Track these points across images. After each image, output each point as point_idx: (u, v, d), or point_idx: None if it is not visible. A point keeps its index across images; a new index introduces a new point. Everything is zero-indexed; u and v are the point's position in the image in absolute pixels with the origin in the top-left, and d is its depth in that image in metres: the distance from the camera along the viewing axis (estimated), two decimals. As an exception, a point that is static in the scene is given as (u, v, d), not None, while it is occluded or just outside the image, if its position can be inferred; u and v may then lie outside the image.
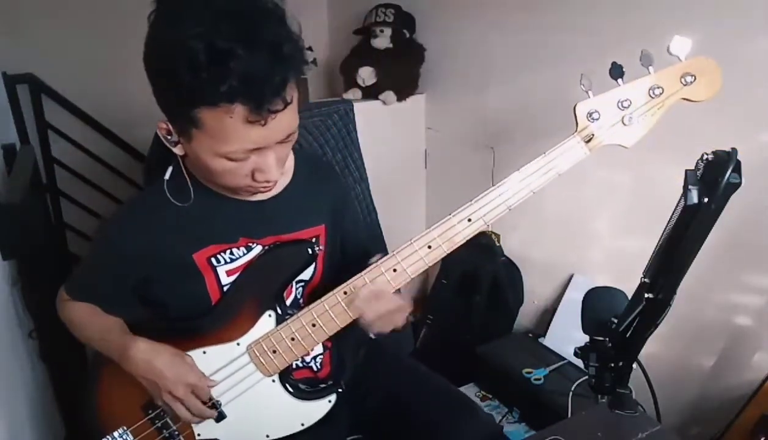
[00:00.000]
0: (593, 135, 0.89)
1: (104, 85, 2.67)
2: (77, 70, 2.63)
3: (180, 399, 1.00)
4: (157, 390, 1.01)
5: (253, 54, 0.78)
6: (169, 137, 0.92)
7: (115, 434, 1.07)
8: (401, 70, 2.29)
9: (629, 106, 0.88)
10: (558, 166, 0.90)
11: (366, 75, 2.23)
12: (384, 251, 0.98)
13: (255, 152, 0.88)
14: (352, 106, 1.80)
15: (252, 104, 0.80)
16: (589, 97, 0.88)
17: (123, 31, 2.68)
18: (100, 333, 1.07)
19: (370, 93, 2.28)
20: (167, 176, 1.01)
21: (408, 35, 2.28)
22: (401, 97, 2.30)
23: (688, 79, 0.85)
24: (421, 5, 2.31)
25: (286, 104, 0.83)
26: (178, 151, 0.94)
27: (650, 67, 0.86)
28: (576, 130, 0.89)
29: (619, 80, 0.87)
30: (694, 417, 1.64)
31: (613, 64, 0.86)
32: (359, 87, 2.27)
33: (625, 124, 0.88)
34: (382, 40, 2.23)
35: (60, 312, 1.13)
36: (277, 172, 0.92)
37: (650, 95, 0.87)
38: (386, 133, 2.33)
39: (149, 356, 1.00)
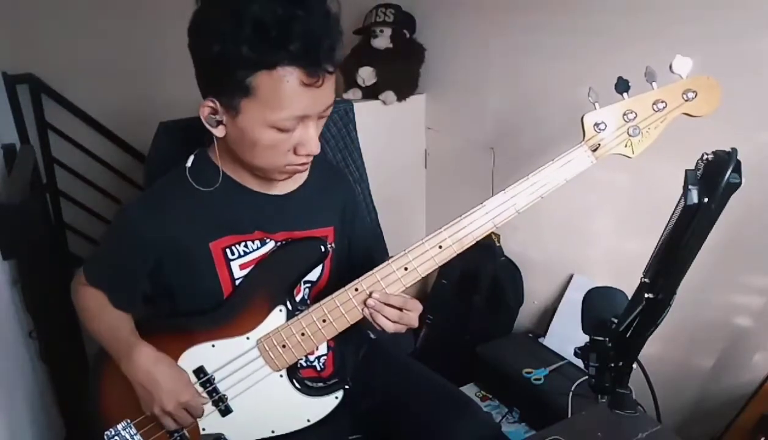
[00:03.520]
0: (599, 144, 0.92)
1: (104, 84, 2.67)
2: (77, 70, 2.64)
3: (170, 413, 1.01)
4: (149, 399, 1.02)
5: (312, 17, 0.84)
6: (213, 116, 0.93)
7: (119, 427, 1.07)
8: (401, 70, 2.28)
9: (634, 118, 0.91)
10: (566, 172, 0.93)
11: (366, 75, 2.23)
12: (384, 251, 0.98)
13: (300, 122, 0.91)
14: (352, 106, 1.80)
15: (310, 66, 0.84)
16: (595, 108, 0.91)
17: (123, 31, 2.71)
18: (109, 329, 1.07)
19: (370, 93, 2.27)
20: (189, 164, 1.03)
21: (408, 35, 2.27)
22: (401, 97, 2.30)
23: (690, 94, 0.89)
24: (421, 5, 2.30)
25: (336, 68, 0.88)
26: (218, 132, 0.95)
27: (653, 83, 0.89)
28: (583, 139, 0.92)
29: (624, 94, 0.90)
30: (694, 417, 1.64)
31: (619, 78, 0.90)
32: (359, 87, 2.26)
33: (630, 135, 0.91)
34: (382, 40, 2.23)
35: (74, 295, 1.13)
36: (317, 145, 0.94)
37: (654, 109, 0.90)
38: (386, 133, 2.33)
39: (151, 365, 1.01)
